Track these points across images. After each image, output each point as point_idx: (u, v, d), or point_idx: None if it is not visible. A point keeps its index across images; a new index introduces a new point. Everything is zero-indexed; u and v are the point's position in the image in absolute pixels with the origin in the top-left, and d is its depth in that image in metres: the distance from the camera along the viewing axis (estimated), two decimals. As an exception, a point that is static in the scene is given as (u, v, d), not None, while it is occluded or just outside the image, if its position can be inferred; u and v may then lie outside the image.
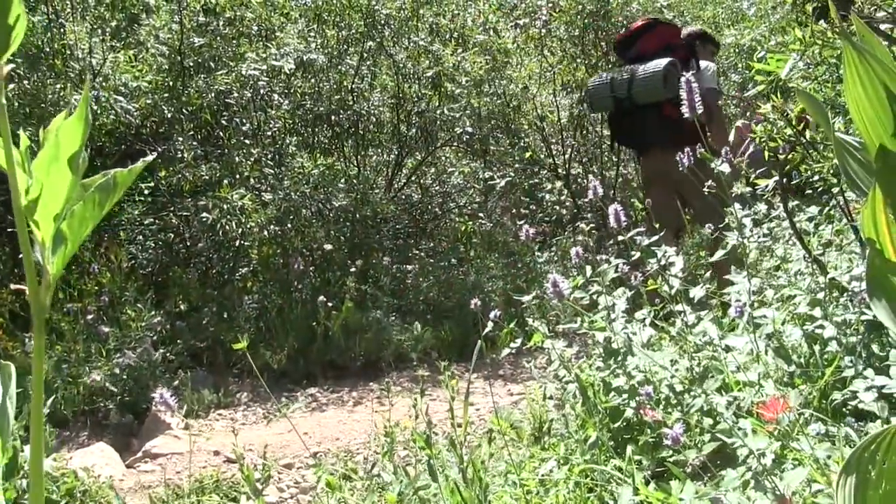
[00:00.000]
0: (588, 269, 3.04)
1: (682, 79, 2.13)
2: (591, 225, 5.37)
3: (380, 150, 8.57)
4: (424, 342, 5.99)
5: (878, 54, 1.25)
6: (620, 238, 2.74)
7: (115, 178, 0.81)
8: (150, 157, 0.93)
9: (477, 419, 4.22)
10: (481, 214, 8.49)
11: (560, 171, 9.18)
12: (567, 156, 9.31)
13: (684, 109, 2.13)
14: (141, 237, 6.77)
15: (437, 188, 8.94)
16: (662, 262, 2.81)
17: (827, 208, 4.03)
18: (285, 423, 4.54)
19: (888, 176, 1.19)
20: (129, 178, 0.84)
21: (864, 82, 1.22)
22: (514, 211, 8.34)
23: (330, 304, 5.78)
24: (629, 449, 2.26)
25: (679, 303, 2.85)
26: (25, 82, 5.94)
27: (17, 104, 5.72)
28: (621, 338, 2.66)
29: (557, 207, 8.96)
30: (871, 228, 1.24)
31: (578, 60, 8.80)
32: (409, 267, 7.28)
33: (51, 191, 0.71)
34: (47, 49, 6.37)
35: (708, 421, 2.44)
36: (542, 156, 9.34)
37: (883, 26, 3.42)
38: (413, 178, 8.66)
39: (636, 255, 2.98)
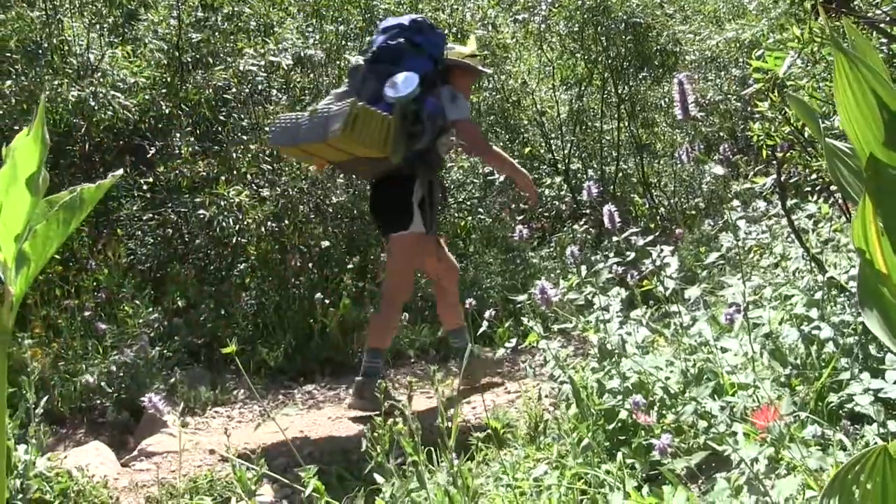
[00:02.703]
0: (584, 268, 3.02)
1: (675, 80, 2.10)
2: (585, 226, 5.41)
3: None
4: (423, 339, 5.98)
5: (870, 61, 1.23)
6: (615, 239, 2.72)
7: (82, 194, 0.79)
8: (118, 172, 0.91)
9: (473, 417, 4.20)
10: (480, 210, 8.47)
11: (559, 166, 9.16)
12: (566, 151, 9.29)
13: (678, 111, 2.11)
14: (140, 233, 6.74)
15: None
16: (657, 263, 2.80)
17: (826, 206, 4.01)
18: (281, 421, 4.53)
19: (878, 186, 1.18)
20: (97, 194, 0.82)
21: (855, 90, 1.20)
22: (512, 206, 8.31)
23: (327, 301, 5.77)
24: (621, 453, 2.25)
25: (674, 303, 2.83)
26: (23, 78, 5.92)
27: (14, 101, 5.70)
28: (615, 339, 2.65)
29: (557, 203, 8.95)
30: (860, 239, 1.22)
31: (578, 56, 8.79)
32: None
33: (10, 212, 0.70)
34: (45, 45, 6.35)
35: (703, 424, 2.43)
36: (542, 151, 9.33)
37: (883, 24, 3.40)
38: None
39: (633, 254, 2.96)
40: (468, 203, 8.68)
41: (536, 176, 9.08)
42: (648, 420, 2.22)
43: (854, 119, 1.21)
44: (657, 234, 7.58)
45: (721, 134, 9.63)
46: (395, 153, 4.06)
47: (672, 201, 9.84)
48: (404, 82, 4.09)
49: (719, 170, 2.61)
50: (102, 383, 4.52)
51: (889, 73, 3.28)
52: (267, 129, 7.19)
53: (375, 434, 2.42)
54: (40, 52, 6.26)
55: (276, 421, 2.38)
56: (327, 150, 4.19)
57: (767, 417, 1.71)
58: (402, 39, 4.28)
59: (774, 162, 3.68)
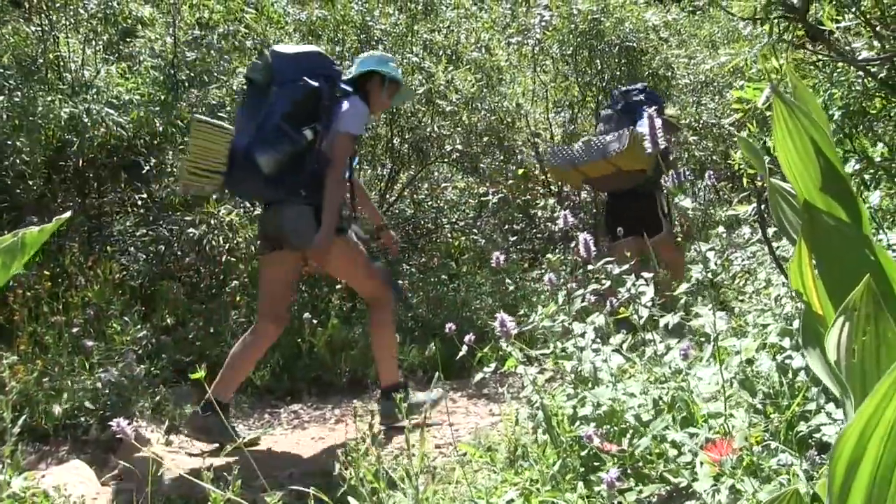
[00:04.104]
0: (562, 295, 3.05)
1: (644, 114, 2.14)
2: (575, 247, 5.54)
3: (374, 165, 8.59)
4: (410, 359, 5.99)
5: (809, 108, 1.27)
6: (590, 267, 2.75)
7: (24, 238, 0.82)
8: (65, 216, 0.94)
9: (455, 440, 4.22)
10: (475, 230, 8.50)
11: (552, 187, 9.20)
12: (560, 173, 9.32)
13: (647, 145, 2.15)
14: (132, 249, 6.77)
15: (429, 203, 8.95)
16: (632, 291, 2.82)
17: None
18: (265, 441, 4.55)
19: (813, 230, 1.21)
20: (40, 237, 0.85)
21: (794, 137, 1.23)
22: (505, 227, 8.35)
23: (315, 321, 5.79)
24: (581, 482, 2.27)
25: (649, 331, 2.86)
26: (17, 94, 5.94)
27: (5, 116, 5.72)
28: (588, 367, 2.67)
29: (549, 224, 8.98)
30: (798, 281, 1.26)
31: (571, 79, 8.85)
32: (400, 282, 7.29)
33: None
34: (41, 60, 6.39)
35: (673, 452, 2.45)
36: (535, 172, 9.37)
37: (863, 54, 3.44)
38: (406, 193, 8.68)
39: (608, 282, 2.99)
40: (462, 223, 8.72)
41: (529, 198, 9.13)
42: (611, 448, 2.24)
43: (793, 164, 1.24)
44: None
45: (714, 158, 9.67)
46: (652, 167, 5.61)
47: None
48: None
49: (687, 203, 2.64)
50: (87, 401, 4.53)
51: (863, 105, 3.29)
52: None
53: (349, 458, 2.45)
54: (35, 67, 6.30)
55: (242, 447, 2.40)
56: (601, 166, 5.73)
57: (721, 451, 1.74)
58: (641, 97, 6.08)
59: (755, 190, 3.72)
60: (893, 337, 0.99)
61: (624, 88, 6.38)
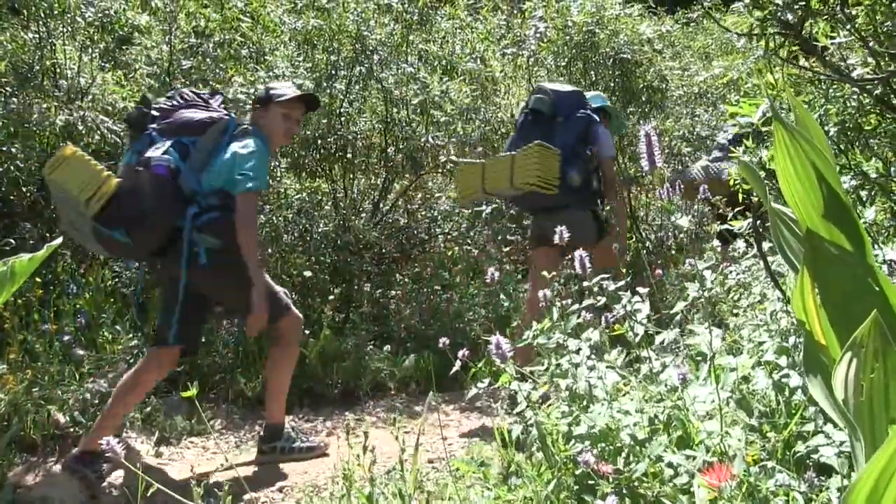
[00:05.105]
0: (556, 311, 3.03)
1: (641, 132, 2.13)
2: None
3: (367, 174, 8.56)
4: (403, 371, 5.96)
5: (810, 132, 1.25)
6: (585, 284, 2.73)
7: (13, 268, 0.80)
8: (56, 242, 0.92)
9: (448, 455, 4.19)
10: (468, 240, 8.47)
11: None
12: (554, 184, 9.31)
13: (644, 163, 2.14)
14: (125, 257, 6.72)
15: (423, 213, 8.92)
16: (628, 308, 2.80)
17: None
18: (256, 454, 4.51)
19: (815, 259, 1.19)
20: (29, 267, 0.83)
21: (795, 162, 1.21)
22: (499, 238, 8.31)
23: (308, 332, 5.76)
24: (575, 502, 2.25)
25: (644, 349, 2.84)
26: (13, 100, 5.92)
27: (1, 123, 5.70)
28: (583, 385, 2.65)
29: (544, 235, 8.96)
30: (800, 310, 1.24)
31: (566, 90, 8.84)
32: (392, 293, 7.27)
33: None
34: (37, 67, 6.37)
35: (669, 472, 2.43)
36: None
37: (858, 70, 3.43)
38: (400, 202, 8.65)
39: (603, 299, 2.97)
40: (455, 233, 8.69)
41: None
42: (606, 468, 2.22)
43: (795, 190, 1.22)
44: (641, 271, 7.60)
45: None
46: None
47: (659, 235, 9.86)
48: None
49: (684, 221, 2.63)
50: (76, 412, 4.50)
51: (860, 122, 3.29)
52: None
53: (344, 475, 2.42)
54: (31, 74, 6.28)
55: (230, 461, 2.37)
56: (714, 187, 5.84)
57: (720, 476, 1.72)
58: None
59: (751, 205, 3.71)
60: (902, 373, 0.98)
61: (727, 126, 7.05)
